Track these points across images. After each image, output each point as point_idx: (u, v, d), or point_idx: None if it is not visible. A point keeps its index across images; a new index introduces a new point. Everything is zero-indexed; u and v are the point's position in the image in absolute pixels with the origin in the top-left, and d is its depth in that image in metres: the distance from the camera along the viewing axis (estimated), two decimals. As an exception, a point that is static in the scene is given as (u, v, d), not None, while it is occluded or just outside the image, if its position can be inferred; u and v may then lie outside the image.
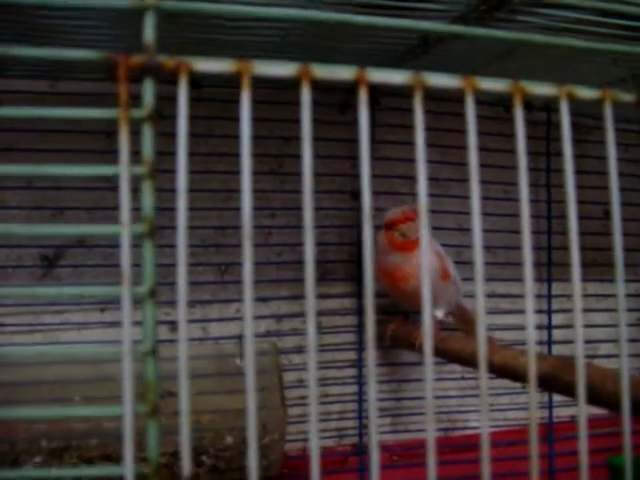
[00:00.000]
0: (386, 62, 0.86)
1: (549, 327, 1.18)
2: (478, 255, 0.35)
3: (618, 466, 0.88)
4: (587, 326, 1.17)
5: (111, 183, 0.97)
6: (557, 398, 1.16)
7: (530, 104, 1.12)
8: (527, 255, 0.35)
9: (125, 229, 0.31)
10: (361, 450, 1.10)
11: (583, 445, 0.35)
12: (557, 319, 1.19)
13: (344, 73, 0.34)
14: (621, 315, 0.37)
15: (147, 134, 0.32)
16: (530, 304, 0.35)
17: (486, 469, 0.33)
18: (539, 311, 1.18)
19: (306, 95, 0.33)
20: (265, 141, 1.07)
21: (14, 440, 0.82)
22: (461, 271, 1.01)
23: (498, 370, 0.77)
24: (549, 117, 1.18)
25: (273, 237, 1.09)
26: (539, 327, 1.18)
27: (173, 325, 1.01)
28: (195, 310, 1.06)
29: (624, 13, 0.62)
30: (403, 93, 1.07)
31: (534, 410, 0.35)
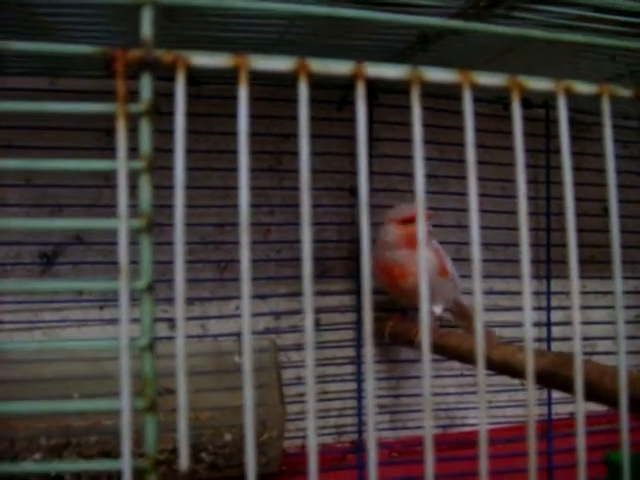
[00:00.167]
0: (384, 59, 0.85)
1: (548, 324, 1.18)
2: (476, 252, 0.35)
3: (616, 462, 0.88)
4: (585, 323, 1.18)
5: (109, 181, 0.97)
6: (556, 395, 1.17)
7: (529, 101, 1.12)
8: (525, 252, 0.35)
9: (122, 223, 0.31)
10: (360, 447, 1.10)
11: (580, 441, 0.35)
12: (556, 316, 1.19)
13: (341, 68, 0.34)
14: (619, 312, 0.37)
15: (145, 129, 0.32)
16: (527, 301, 0.35)
17: (484, 466, 0.33)
18: (538, 308, 1.18)
19: (303, 90, 0.33)
20: (263, 138, 1.07)
21: (13, 437, 0.82)
22: (460, 268, 1.01)
23: (497, 366, 0.77)
24: (548, 114, 1.18)
25: (272, 234, 1.09)
26: (538, 324, 1.18)
27: (172, 322, 1.01)
28: (194, 307, 1.06)
29: (622, 9, 0.62)
30: (401, 90, 1.07)
31: (532, 406, 0.35)
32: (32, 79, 0.96)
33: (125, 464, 0.31)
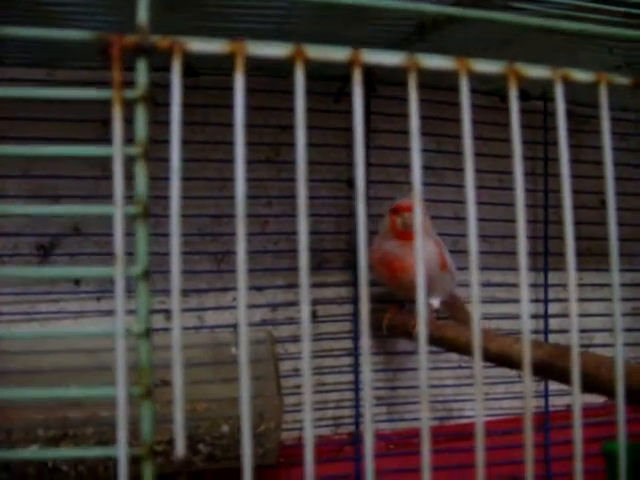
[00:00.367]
0: (382, 50, 0.85)
1: (545, 316, 1.18)
2: (473, 244, 0.35)
3: (613, 453, 0.88)
4: (582, 315, 1.18)
5: (106, 172, 0.97)
6: (552, 387, 1.17)
7: (527, 93, 1.12)
8: (522, 244, 0.35)
9: (118, 210, 0.31)
10: (357, 439, 1.10)
11: (577, 431, 0.35)
12: (553, 308, 1.19)
13: (338, 54, 0.33)
14: (616, 304, 0.37)
15: (140, 115, 0.32)
16: (525, 292, 0.35)
17: (480, 457, 0.33)
18: (535, 300, 1.18)
19: (300, 77, 0.33)
20: (261, 130, 1.07)
21: (10, 429, 0.82)
22: (458, 260, 1.01)
23: (494, 358, 0.77)
24: (546, 106, 1.18)
25: (269, 226, 1.09)
26: (535, 316, 1.18)
27: (168, 314, 1.01)
28: (191, 299, 1.06)
29: (620, 0, 0.62)
30: (399, 82, 1.06)
31: (528, 397, 0.35)
32: (30, 70, 0.96)
33: (121, 451, 0.31)
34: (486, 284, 1.15)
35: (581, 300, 1.19)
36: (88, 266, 1.01)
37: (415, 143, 0.34)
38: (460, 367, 1.16)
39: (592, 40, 0.81)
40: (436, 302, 0.99)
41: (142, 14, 0.31)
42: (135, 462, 0.32)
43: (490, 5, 0.69)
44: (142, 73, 0.32)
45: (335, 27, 0.79)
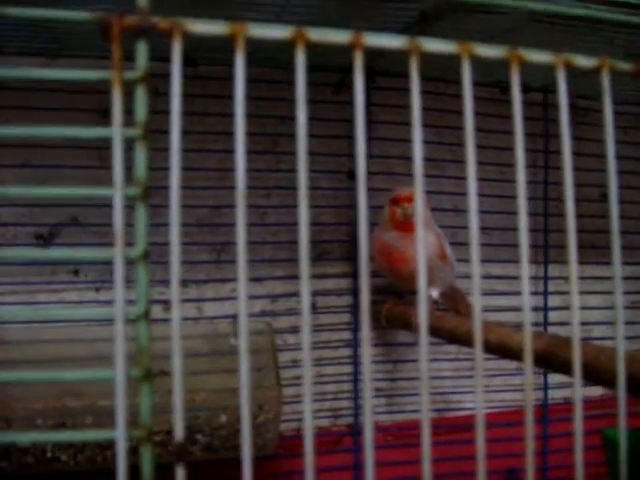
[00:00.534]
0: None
1: (545, 309, 1.18)
2: (474, 236, 0.35)
3: (612, 439, 0.88)
4: (582, 308, 1.18)
5: (105, 162, 0.96)
6: (551, 380, 1.17)
7: (527, 85, 1.12)
8: (523, 237, 0.35)
9: (118, 191, 0.31)
10: (356, 430, 1.10)
11: (578, 415, 0.35)
12: (553, 301, 1.19)
13: (339, 37, 0.33)
14: (617, 297, 0.37)
15: (140, 96, 0.31)
16: (526, 284, 0.35)
17: (481, 449, 0.33)
18: (535, 293, 1.18)
19: (301, 60, 0.33)
20: (261, 120, 1.07)
21: (10, 418, 0.82)
22: (456, 252, 1.01)
23: (494, 348, 0.77)
24: (546, 98, 1.17)
25: (268, 217, 1.09)
26: (535, 309, 1.18)
27: (167, 304, 1.01)
28: (190, 290, 1.06)
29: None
30: (398, 72, 1.06)
31: (529, 388, 0.35)
32: (29, 59, 0.95)
33: (119, 434, 0.30)
34: (485, 276, 1.15)
35: (581, 293, 1.19)
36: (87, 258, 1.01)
37: (417, 130, 0.34)
38: (457, 359, 1.16)
39: (593, 31, 0.81)
40: (435, 293, 0.99)
41: (142, -5, 0.31)
42: (134, 452, 0.31)
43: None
44: (142, 55, 0.31)
45: (335, 18, 0.79)
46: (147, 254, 0.32)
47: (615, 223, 0.37)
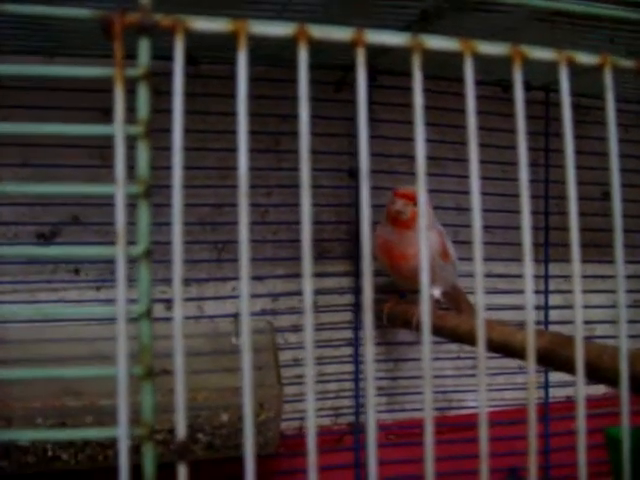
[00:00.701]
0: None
1: (546, 307, 1.18)
2: (477, 235, 0.34)
3: (615, 437, 0.88)
4: (584, 307, 1.17)
5: (106, 161, 0.97)
6: (553, 379, 1.17)
7: (528, 83, 1.12)
8: (526, 235, 0.35)
9: (120, 189, 0.31)
10: (357, 429, 1.10)
11: (581, 414, 0.35)
12: (554, 300, 1.19)
13: (341, 34, 0.33)
14: (620, 296, 0.37)
15: (142, 93, 0.31)
16: (529, 282, 0.35)
17: (484, 448, 0.33)
18: (536, 291, 1.18)
19: (303, 57, 0.32)
20: (262, 119, 1.07)
21: (10, 417, 0.82)
22: (458, 251, 1.01)
23: (496, 347, 0.77)
24: (547, 97, 1.17)
25: (270, 215, 1.09)
26: (536, 307, 1.18)
27: (168, 303, 1.01)
28: (191, 288, 1.06)
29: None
30: (399, 71, 1.06)
31: (532, 387, 0.34)
32: (28, 57, 0.95)
33: (122, 431, 0.30)
34: (488, 275, 1.15)
35: (583, 291, 1.19)
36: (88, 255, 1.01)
37: (419, 128, 0.34)
38: (459, 358, 1.16)
39: (594, 29, 0.81)
40: (437, 292, 0.99)
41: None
42: (135, 451, 0.31)
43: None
44: (144, 52, 0.31)
45: (336, 16, 0.79)
46: (149, 252, 0.31)
47: (618, 221, 0.37)
